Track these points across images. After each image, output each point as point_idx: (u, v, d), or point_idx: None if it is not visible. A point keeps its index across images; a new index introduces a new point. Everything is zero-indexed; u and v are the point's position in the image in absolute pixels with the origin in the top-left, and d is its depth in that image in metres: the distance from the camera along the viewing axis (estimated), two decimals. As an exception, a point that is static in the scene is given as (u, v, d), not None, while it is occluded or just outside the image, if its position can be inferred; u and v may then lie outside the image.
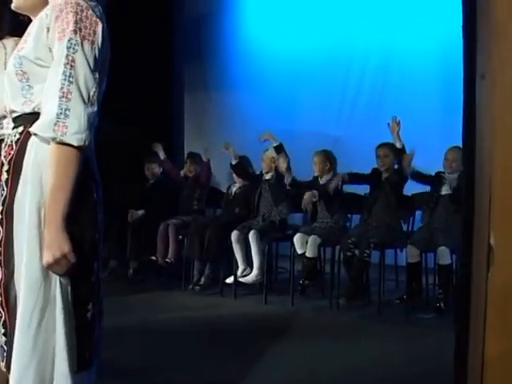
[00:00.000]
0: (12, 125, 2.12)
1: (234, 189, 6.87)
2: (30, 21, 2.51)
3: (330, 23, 8.20)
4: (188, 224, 6.70)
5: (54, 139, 1.91)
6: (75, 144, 1.91)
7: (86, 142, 1.92)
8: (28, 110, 2.03)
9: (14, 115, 2.08)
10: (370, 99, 7.89)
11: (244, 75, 8.83)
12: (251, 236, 6.12)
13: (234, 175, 6.89)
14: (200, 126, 9.22)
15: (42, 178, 1.95)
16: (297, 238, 6.00)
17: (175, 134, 9.20)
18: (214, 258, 6.41)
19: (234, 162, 6.68)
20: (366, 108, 7.90)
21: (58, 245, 1.89)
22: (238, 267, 6.24)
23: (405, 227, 6.09)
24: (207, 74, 9.16)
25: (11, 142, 2.05)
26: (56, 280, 1.94)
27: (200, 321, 5.28)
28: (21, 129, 2.03)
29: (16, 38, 2.86)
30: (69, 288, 1.95)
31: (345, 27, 8.08)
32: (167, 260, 6.68)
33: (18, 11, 2.45)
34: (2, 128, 2.73)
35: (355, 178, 6.13)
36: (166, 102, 8.82)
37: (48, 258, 1.89)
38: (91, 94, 1.95)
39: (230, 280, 6.28)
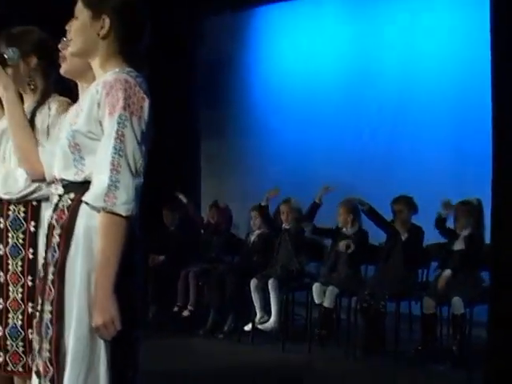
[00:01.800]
0: (61, 189, 2.29)
1: (252, 237, 7.04)
2: (76, 85, 2.73)
3: (344, 71, 8.32)
4: (208, 271, 6.86)
5: (104, 209, 2.08)
6: (124, 214, 2.07)
7: (134, 212, 2.09)
8: (79, 179, 2.20)
9: (65, 182, 2.26)
10: (383, 146, 7.96)
11: (260, 121, 9.00)
12: (270, 284, 6.28)
13: (255, 221, 7.02)
14: (217, 172, 9.36)
15: (93, 244, 2.12)
16: (315, 288, 6.13)
17: (191, 180, 9.32)
18: (232, 306, 6.56)
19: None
20: (379, 155, 7.98)
21: (107, 309, 2.04)
22: (256, 314, 6.38)
23: (420, 276, 6.18)
24: (224, 119, 9.30)
25: (63, 206, 2.22)
26: (101, 342, 2.09)
27: (218, 368, 5.40)
28: (72, 195, 2.20)
29: (61, 99, 3.00)
30: (112, 350, 2.11)
31: (358, 74, 8.21)
32: (188, 308, 6.83)
33: (66, 76, 2.67)
34: (40, 190, 2.94)
35: (374, 217, 6.19)
36: (182, 148, 8.91)
37: (97, 321, 2.04)
38: (138, 166, 2.12)
39: (248, 327, 6.43)
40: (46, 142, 2.69)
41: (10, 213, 2.97)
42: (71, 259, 2.14)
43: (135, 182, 2.10)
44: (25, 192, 2.92)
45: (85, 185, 2.18)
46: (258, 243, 6.95)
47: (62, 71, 2.65)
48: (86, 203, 2.13)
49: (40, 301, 2.36)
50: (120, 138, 2.09)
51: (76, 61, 2.54)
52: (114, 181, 2.07)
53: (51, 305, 2.17)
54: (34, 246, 2.95)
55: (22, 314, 2.92)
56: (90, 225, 2.13)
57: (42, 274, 2.43)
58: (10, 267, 2.96)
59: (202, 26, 9.32)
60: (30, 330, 2.86)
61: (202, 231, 7.54)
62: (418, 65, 7.75)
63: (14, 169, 2.96)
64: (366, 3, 8.32)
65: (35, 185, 2.88)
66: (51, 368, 2.14)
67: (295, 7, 8.77)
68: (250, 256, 6.96)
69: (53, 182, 2.49)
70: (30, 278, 2.93)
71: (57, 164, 2.29)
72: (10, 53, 2.69)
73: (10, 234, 2.97)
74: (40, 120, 2.95)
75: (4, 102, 2.67)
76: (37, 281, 2.56)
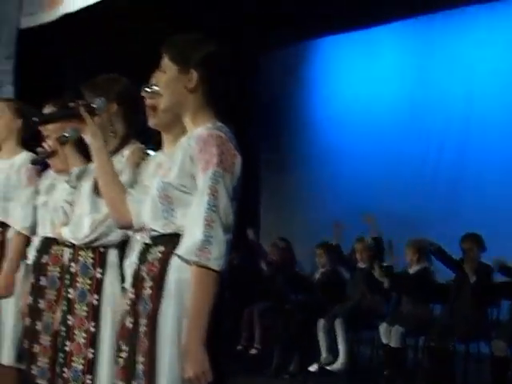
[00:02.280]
0: (148, 240, 2.33)
1: (317, 275, 7.00)
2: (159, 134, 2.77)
3: (407, 100, 8.30)
4: (272, 309, 6.84)
5: (197, 263, 2.10)
6: (216, 269, 2.10)
7: (224, 266, 2.11)
8: (169, 230, 2.23)
9: (154, 234, 2.28)
10: (448, 178, 7.91)
11: (322, 154, 8.99)
12: (338, 324, 6.23)
13: (320, 259, 6.98)
14: (276, 206, 9.36)
15: (184, 296, 2.14)
16: (382, 328, 6.06)
17: (252, 214, 9.33)
18: (298, 345, 6.51)
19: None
20: (443, 188, 7.92)
21: (199, 362, 2.06)
22: (321, 354, 6.32)
23: (490, 315, 6.07)
24: (284, 152, 9.34)
25: (152, 259, 2.25)
26: None
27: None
28: (161, 248, 2.23)
29: (135, 146, 3.02)
30: None
31: (420, 103, 8.18)
32: (254, 347, 6.81)
33: (155, 128, 2.68)
34: (106, 237, 2.93)
35: (443, 257, 6.09)
36: (242, 181, 8.92)
37: (189, 373, 2.05)
38: (229, 221, 2.15)
39: (313, 368, 6.36)
40: (134, 190, 2.71)
41: (80, 258, 3.02)
42: (163, 312, 2.17)
43: (226, 237, 2.13)
44: (89, 239, 2.95)
45: (174, 237, 2.20)
46: (323, 281, 6.90)
47: (150, 124, 2.65)
48: (179, 256, 2.16)
49: (125, 347, 2.42)
50: (213, 194, 2.13)
51: (166, 114, 2.57)
52: (208, 236, 2.09)
53: (144, 356, 2.19)
54: (99, 292, 3.00)
55: (84, 359, 2.95)
56: (181, 278, 2.16)
57: (128, 323, 2.48)
58: (76, 312, 3.02)
59: (258, 62, 9.40)
60: (88, 376, 2.91)
61: (265, 268, 7.52)
62: (482, 92, 7.67)
63: (83, 214, 3.01)
64: (423, 31, 8.30)
65: (99, 232, 2.93)
66: None
67: (352, 38, 8.81)
68: (315, 294, 6.91)
69: (140, 230, 2.53)
70: (92, 323, 2.97)
71: (146, 214, 2.32)
72: (98, 102, 2.73)
73: (79, 280, 3.02)
74: (115, 165, 2.99)
75: (92, 151, 2.69)
76: (125, 325, 2.58)
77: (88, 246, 2.99)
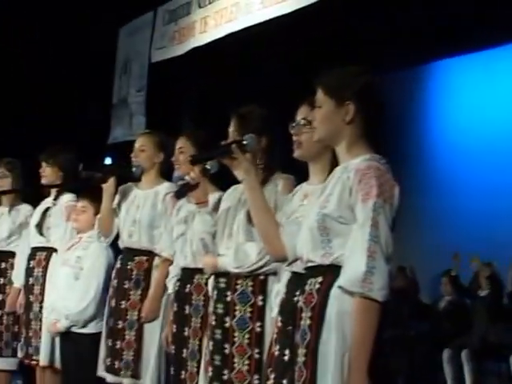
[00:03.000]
0: (300, 270, 2.38)
1: (442, 303, 6.89)
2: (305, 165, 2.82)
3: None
4: (396, 338, 6.76)
5: (360, 294, 2.11)
6: (380, 300, 2.10)
7: (387, 297, 2.11)
8: (327, 262, 2.24)
9: (311, 264, 2.31)
10: None
11: (442, 178, 8.83)
12: (464, 355, 6.10)
13: (446, 287, 6.88)
14: (396, 231, 9.25)
15: (345, 328, 2.15)
16: (512, 360, 5.91)
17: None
18: (422, 375, 6.41)
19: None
20: None
21: None
22: (447, 385, 6.21)
23: None
24: (404, 176, 9.17)
25: (311, 290, 2.26)
26: None
27: None
28: (320, 279, 2.25)
29: (285, 176, 3.11)
30: None
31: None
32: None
33: (301, 159, 2.76)
34: (270, 265, 2.99)
35: None
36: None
37: None
38: (389, 252, 2.14)
39: (439, 398, 6.25)
40: (285, 221, 2.76)
41: (238, 287, 3.09)
42: (324, 342, 2.18)
43: (388, 267, 2.13)
44: (256, 266, 3.03)
45: (332, 268, 2.22)
46: (449, 311, 6.79)
47: (296, 155, 2.74)
48: (341, 287, 2.17)
49: (272, 375, 2.51)
50: (375, 224, 2.14)
51: (313, 146, 2.65)
52: (371, 267, 2.10)
53: None
54: (262, 319, 3.05)
55: None
56: (342, 309, 2.17)
57: (276, 352, 2.55)
58: (235, 339, 3.07)
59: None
60: None
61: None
62: None
63: (243, 243, 3.08)
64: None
65: (266, 259, 2.98)
66: None
67: (470, 60, 8.66)
68: (440, 324, 6.79)
69: (293, 262, 2.58)
70: (257, 350, 3.03)
71: (304, 245, 2.35)
72: (248, 139, 2.81)
73: (237, 308, 3.08)
74: (266, 197, 3.04)
75: (245, 186, 2.76)
76: (274, 353, 2.63)
77: (250, 274, 3.07)
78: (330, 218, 2.23)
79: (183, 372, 3.62)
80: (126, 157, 4.29)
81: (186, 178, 3.43)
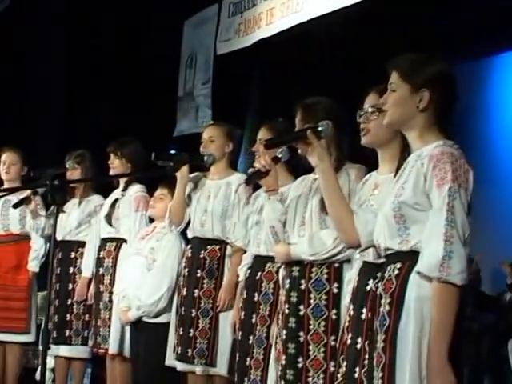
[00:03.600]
0: (383, 260, 2.42)
1: (508, 295, 6.83)
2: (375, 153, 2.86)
3: None
4: (461, 330, 6.74)
5: (439, 279, 2.15)
6: (458, 283, 2.14)
7: (466, 281, 2.15)
8: (405, 248, 2.29)
9: (389, 252, 2.36)
10: None
11: (503, 171, 8.74)
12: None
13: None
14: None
15: (423, 313, 2.20)
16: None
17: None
18: (488, 367, 6.38)
19: (509, 282, 6.66)
20: None
21: (446, 377, 2.11)
22: (513, 377, 6.18)
23: None
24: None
25: (389, 276, 2.31)
26: None
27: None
28: (399, 265, 2.29)
29: (357, 166, 3.17)
30: None
31: None
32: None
33: (369, 146, 2.78)
34: (345, 252, 3.05)
35: None
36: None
37: None
38: (466, 236, 2.18)
39: (505, 390, 6.22)
40: (358, 209, 2.80)
41: (313, 275, 3.15)
42: (402, 327, 2.22)
43: (465, 251, 2.17)
44: (332, 253, 3.09)
45: (410, 255, 2.27)
46: (515, 303, 6.74)
47: (364, 142, 2.77)
48: (419, 273, 2.21)
49: (344, 363, 2.60)
50: (451, 210, 2.18)
51: (381, 132, 2.68)
52: (448, 251, 2.14)
53: (382, 371, 2.26)
54: (337, 306, 3.11)
55: (324, 372, 3.09)
56: (420, 295, 2.21)
57: (348, 340, 2.64)
58: (311, 327, 3.14)
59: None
60: None
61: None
62: None
63: (317, 231, 3.14)
64: None
65: (341, 246, 3.03)
66: None
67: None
68: (505, 315, 6.74)
69: (365, 250, 2.64)
70: (332, 337, 3.09)
71: (381, 233, 2.39)
72: (324, 126, 2.85)
73: (312, 296, 3.15)
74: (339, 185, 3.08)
75: (318, 173, 2.79)
76: (347, 341, 2.71)
77: (324, 262, 3.13)
78: (406, 206, 2.27)
79: (248, 359, 3.71)
80: (190, 149, 4.37)
81: (257, 165, 3.47)
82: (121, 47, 7.84)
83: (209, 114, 7.02)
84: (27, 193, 5.06)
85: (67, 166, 5.12)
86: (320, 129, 2.81)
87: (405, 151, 2.51)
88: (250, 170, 3.58)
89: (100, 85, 7.79)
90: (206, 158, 4.14)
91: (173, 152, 3.68)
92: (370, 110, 2.76)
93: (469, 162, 2.28)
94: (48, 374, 5.52)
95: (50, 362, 5.46)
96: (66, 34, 8.26)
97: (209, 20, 7.27)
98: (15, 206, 4.99)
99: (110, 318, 4.73)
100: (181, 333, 4.19)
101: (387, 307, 2.29)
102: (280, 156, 3.33)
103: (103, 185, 5.41)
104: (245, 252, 3.98)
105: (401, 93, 2.38)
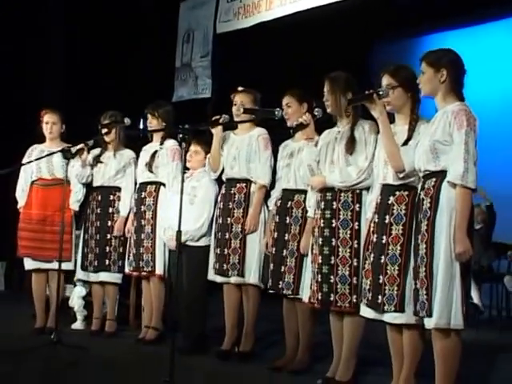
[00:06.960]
0: (422, 178, 3.61)
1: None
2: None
3: None
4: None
5: (461, 185, 3.36)
6: (473, 187, 3.36)
7: (476, 186, 3.37)
8: (437, 169, 3.49)
9: (426, 172, 3.56)
10: None
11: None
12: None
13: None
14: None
15: (451, 207, 3.41)
16: (507, 280, 7.17)
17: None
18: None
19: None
20: None
21: (465, 244, 3.34)
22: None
23: None
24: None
25: (428, 186, 3.52)
26: (457, 264, 3.38)
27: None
28: (434, 179, 3.50)
29: (370, 122, 4.20)
30: (465, 272, 3.37)
31: None
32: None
33: (391, 112, 3.93)
34: (365, 181, 4.12)
35: None
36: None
37: (459, 250, 3.33)
38: (475, 159, 3.38)
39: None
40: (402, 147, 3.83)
41: (342, 197, 4.22)
42: (439, 216, 3.45)
43: (475, 168, 3.38)
44: (355, 182, 4.15)
45: (441, 172, 3.47)
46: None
47: (388, 109, 3.89)
48: (449, 182, 3.41)
49: (370, 255, 3.75)
50: (466, 143, 3.40)
51: (397, 102, 3.86)
52: (466, 168, 3.37)
53: (425, 243, 3.46)
54: (359, 220, 4.17)
55: (350, 266, 4.13)
56: (449, 196, 3.43)
57: (373, 237, 3.77)
58: (340, 235, 4.19)
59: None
60: (354, 278, 4.10)
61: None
62: None
63: (344, 167, 4.21)
64: None
65: (362, 178, 4.12)
66: (426, 280, 3.44)
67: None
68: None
69: (405, 174, 3.78)
70: (356, 241, 4.14)
71: (421, 161, 3.57)
72: (384, 90, 3.87)
73: (341, 212, 4.21)
74: (357, 135, 4.25)
75: (379, 121, 3.87)
76: (373, 240, 3.84)
77: (350, 189, 4.15)
78: (438, 142, 3.50)
79: (282, 267, 4.61)
80: (187, 113, 5.15)
81: (300, 119, 4.45)
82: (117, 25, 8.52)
83: (209, 82, 7.83)
84: (80, 145, 5.70)
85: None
86: (381, 93, 3.86)
87: (413, 113, 3.82)
88: (295, 123, 4.54)
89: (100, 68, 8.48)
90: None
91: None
92: (387, 88, 3.87)
93: (474, 114, 3.51)
94: (79, 302, 6.19)
95: (82, 291, 6.20)
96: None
97: (206, 2, 7.99)
98: (72, 156, 5.55)
99: (151, 246, 5.48)
100: (218, 252, 4.99)
101: (428, 205, 3.51)
102: (316, 114, 4.44)
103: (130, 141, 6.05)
104: (265, 188, 4.91)
105: (428, 75, 3.62)
